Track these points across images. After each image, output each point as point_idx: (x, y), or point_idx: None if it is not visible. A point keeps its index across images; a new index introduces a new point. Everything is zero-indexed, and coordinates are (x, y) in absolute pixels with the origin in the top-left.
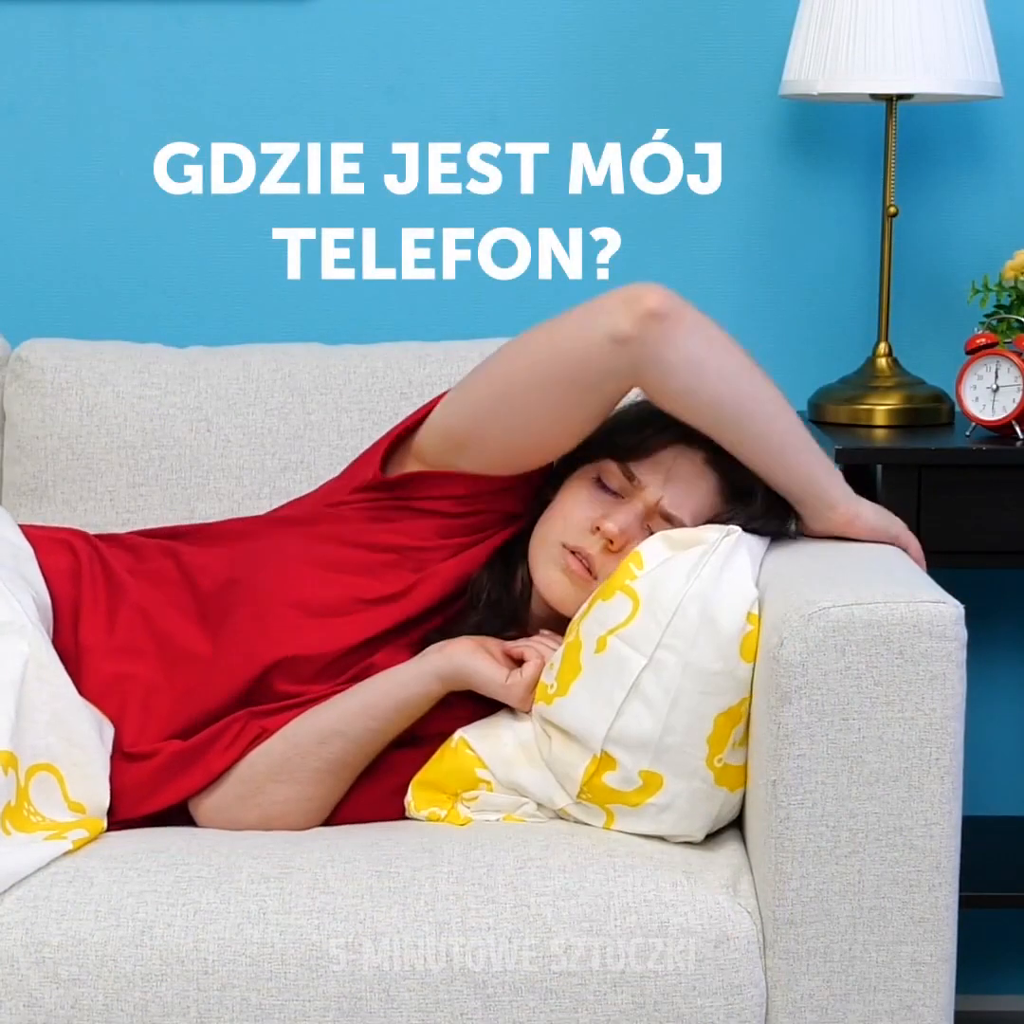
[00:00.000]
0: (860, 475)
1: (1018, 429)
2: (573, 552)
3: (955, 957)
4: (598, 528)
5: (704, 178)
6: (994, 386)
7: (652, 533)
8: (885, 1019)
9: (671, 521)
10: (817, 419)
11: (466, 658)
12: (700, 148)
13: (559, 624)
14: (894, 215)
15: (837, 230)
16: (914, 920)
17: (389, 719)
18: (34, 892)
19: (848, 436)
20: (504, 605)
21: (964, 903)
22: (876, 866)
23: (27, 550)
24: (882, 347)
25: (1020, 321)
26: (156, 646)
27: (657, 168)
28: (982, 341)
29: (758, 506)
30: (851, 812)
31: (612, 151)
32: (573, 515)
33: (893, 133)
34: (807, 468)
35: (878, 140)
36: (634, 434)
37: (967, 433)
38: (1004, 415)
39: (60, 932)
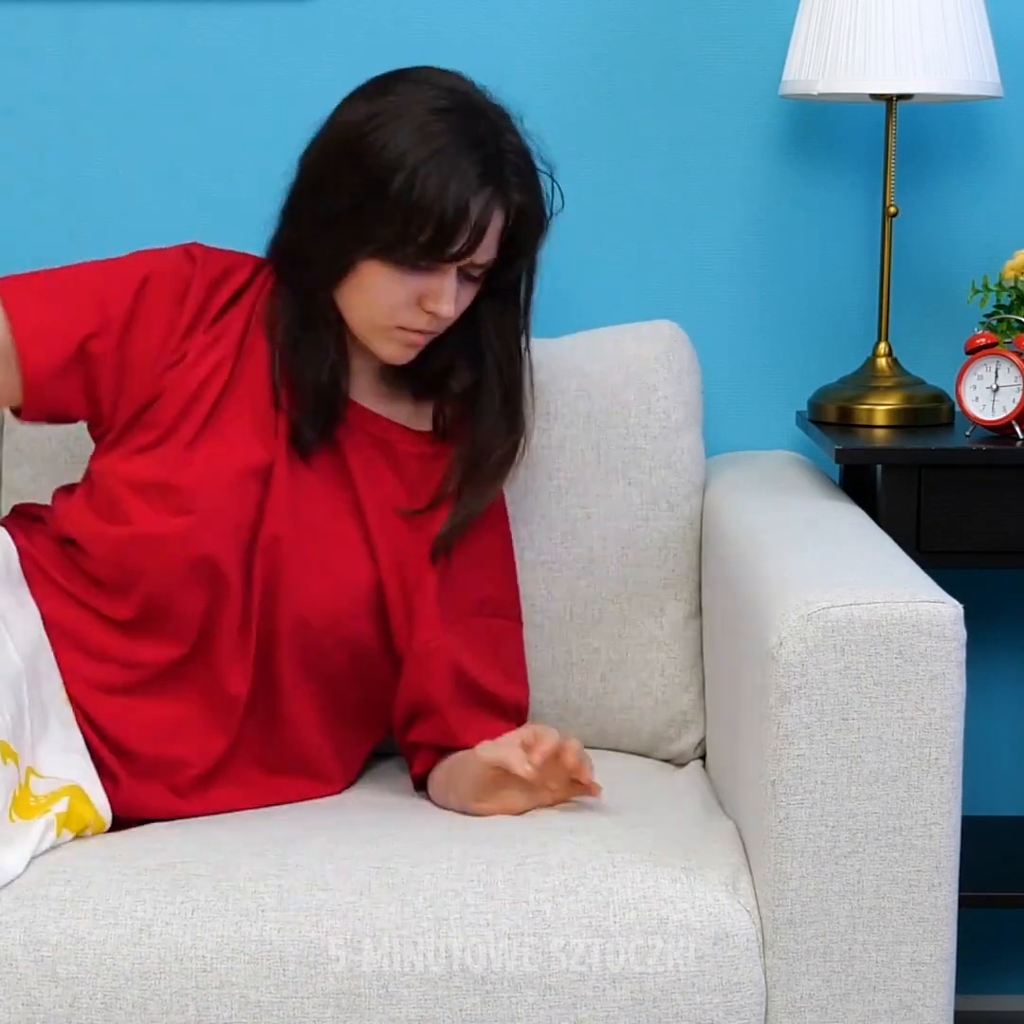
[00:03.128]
0: (860, 475)
1: (1018, 429)
2: (409, 330)
3: (955, 957)
4: (430, 311)
5: (704, 178)
6: (994, 386)
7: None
8: (885, 1019)
9: (481, 265)
10: (817, 419)
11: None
12: (700, 148)
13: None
14: (894, 215)
15: (837, 230)
16: (914, 920)
17: None
18: (32, 891)
19: (848, 436)
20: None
21: (964, 903)
22: (876, 866)
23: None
24: (882, 347)
25: (1020, 321)
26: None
27: (657, 168)
28: (982, 341)
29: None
30: (851, 812)
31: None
32: (397, 299)
33: (893, 133)
34: None
35: (878, 140)
36: (438, 230)
37: (967, 433)
38: (1004, 415)
39: (58, 931)
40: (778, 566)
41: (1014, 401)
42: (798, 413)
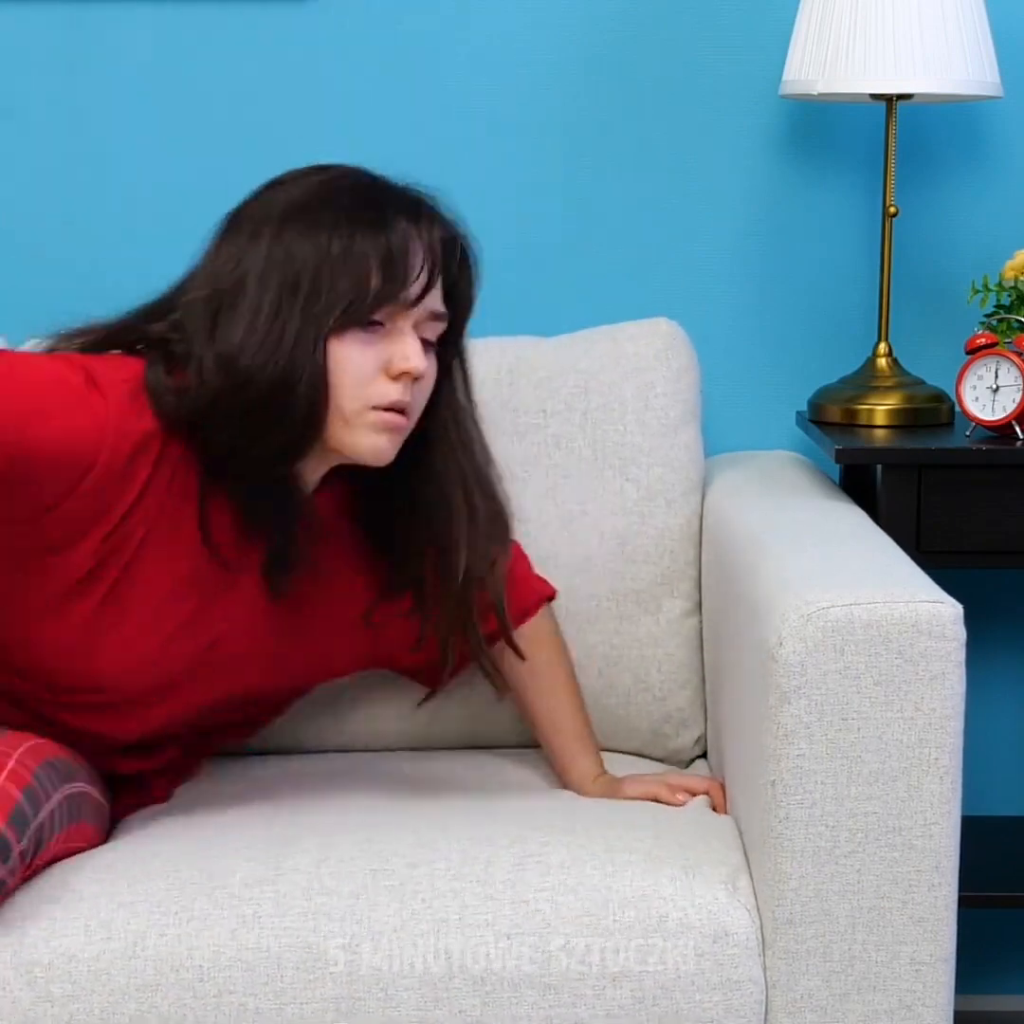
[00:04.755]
0: (860, 475)
1: (1018, 429)
2: (387, 409)
3: (955, 957)
4: (401, 372)
5: (704, 178)
6: (994, 386)
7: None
8: (884, 1019)
9: (438, 317)
10: (817, 419)
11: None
12: (700, 148)
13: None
14: (894, 215)
15: (837, 230)
16: (914, 920)
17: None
18: (22, 911)
19: (848, 436)
20: (292, 514)
21: (964, 903)
22: (876, 866)
23: None
24: (882, 347)
25: (1020, 321)
26: None
27: (657, 168)
28: (982, 341)
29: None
30: (850, 812)
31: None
32: (362, 372)
33: (893, 133)
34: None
35: (878, 140)
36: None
37: (967, 433)
38: (1004, 415)
39: (50, 950)
40: (778, 566)
41: (1014, 401)
42: (798, 413)
